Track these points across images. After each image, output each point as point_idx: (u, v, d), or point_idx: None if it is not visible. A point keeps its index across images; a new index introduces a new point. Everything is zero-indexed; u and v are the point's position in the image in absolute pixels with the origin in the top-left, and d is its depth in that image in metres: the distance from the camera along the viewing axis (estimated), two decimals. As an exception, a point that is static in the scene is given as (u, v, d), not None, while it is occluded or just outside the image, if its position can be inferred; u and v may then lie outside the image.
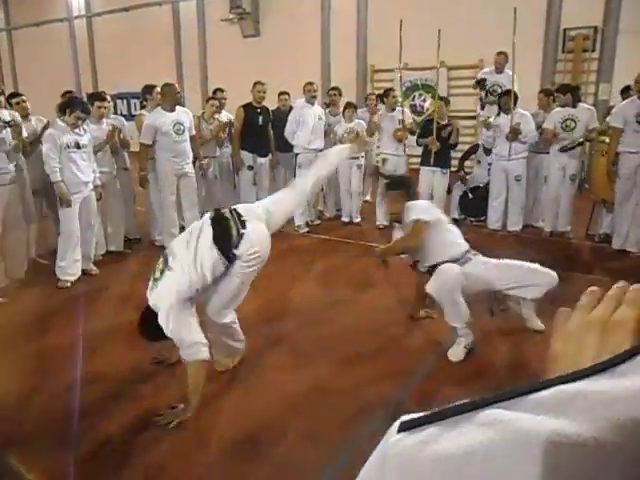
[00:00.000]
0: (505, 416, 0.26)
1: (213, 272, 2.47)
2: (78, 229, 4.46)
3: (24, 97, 4.97)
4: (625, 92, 5.98)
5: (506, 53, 6.38)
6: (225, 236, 2.48)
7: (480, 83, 6.80)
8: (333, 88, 6.80)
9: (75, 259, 4.49)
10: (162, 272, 2.47)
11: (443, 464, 0.25)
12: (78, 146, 4.40)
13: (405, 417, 0.29)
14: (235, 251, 2.47)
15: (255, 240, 2.51)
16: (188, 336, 2.39)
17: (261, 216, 2.62)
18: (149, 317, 2.49)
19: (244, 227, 2.51)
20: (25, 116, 4.78)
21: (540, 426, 0.24)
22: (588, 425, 0.24)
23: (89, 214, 4.59)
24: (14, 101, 4.84)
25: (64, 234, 4.44)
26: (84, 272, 4.62)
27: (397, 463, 0.27)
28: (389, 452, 0.28)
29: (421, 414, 0.29)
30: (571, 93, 5.42)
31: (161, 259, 2.55)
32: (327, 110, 6.50)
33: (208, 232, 2.49)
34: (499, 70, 6.59)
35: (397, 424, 0.29)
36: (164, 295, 2.41)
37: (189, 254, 2.45)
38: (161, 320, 2.39)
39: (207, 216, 2.60)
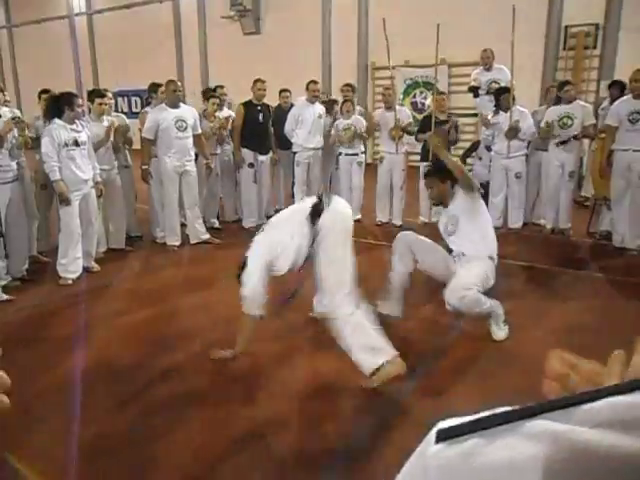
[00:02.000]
0: (556, 428, 0.25)
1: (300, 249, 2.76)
2: (78, 226, 4.47)
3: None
4: (613, 86, 5.96)
5: (491, 49, 6.42)
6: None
7: (473, 91, 6.84)
8: (347, 85, 6.70)
9: (76, 256, 4.50)
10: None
11: (492, 477, 0.24)
12: (77, 143, 4.40)
13: (441, 425, 0.28)
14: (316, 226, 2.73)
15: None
16: (251, 291, 2.76)
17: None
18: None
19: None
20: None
21: (597, 440, 0.23)
22: None
23: (89, 211, 4.60)
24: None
25: (64, 231, 4.45)
26: (86, 269, 4.64)
27: (441, 476, 0.26)
28: (430, 464, 0.27)
29: (458, 422, 0.28)
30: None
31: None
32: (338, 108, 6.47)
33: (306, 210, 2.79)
34: (487, 67, 6.61)
35: (434, 433, 0.28)
36: (255, 257, 2.80)
37: (285, 228, 2.81)
38: (247, 274, 2.78)
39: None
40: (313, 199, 2.88)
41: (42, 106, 4.99)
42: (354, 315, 2.64)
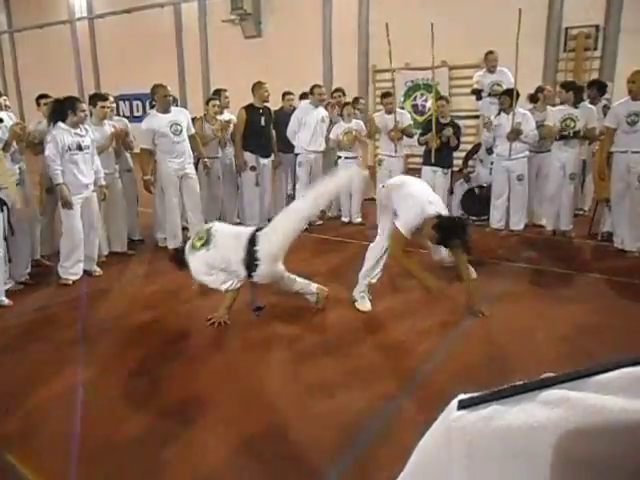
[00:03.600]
0: (571, 395, 0.27)
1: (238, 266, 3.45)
2: (80, 230, 4.48)
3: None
4: (591, 87, 5.96)
5: (495, 52, 6.45)
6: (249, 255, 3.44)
7: (476, 93, 6.88)
8: (337, 90, 6.78)
9: (78, 259, 4.52)
10: (202, 246, 3.46)
11: (510, 436, 0.26)
12: (80, 148, 4.42)
13: (463, 396, 0.30)
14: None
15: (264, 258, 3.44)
16: (210, 282, 3.52)
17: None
18: (177, 257, 3.70)
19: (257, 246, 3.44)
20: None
21: (610, 404, 0.25)
22: None
23: (91, 215, 4.61)
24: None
25: (66, 235, 4.47)
26: (88, 273, 4.65)
27: (463, 436, 0.28)
28: (453, 426, 0.29)
29: (479, 393, 0.30)
30: (574, 92, 5.42)
31: (205, 234, 3.51)
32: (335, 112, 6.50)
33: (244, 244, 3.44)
34: (492, 70, 6.67)
35: (455, 402, 0.30)
36: (197, 264, 3.48)
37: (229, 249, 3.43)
38: (195, 273, 3.52)
39: (247, 234, 3.50)
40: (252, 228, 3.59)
41: (42, 111, 5.00)
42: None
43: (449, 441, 0.29)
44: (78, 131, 4.43)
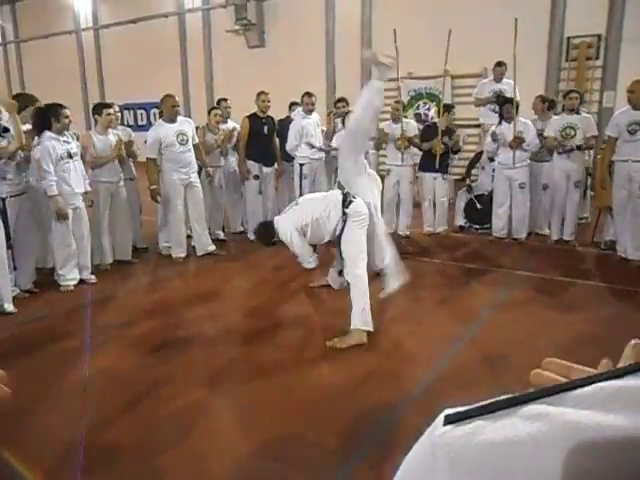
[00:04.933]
0: (550, 410, 0.28)
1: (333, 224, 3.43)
2: (72, 239, 4.51)
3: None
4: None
5: (505, 63, 6.48)
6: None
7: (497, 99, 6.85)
8: (340, 99, 6.75)
9: (73, 266, 4.57)
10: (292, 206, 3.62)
11: (492, 452, 0.27)
12: (70, 155, 4.44)
13: (448, 411, 0.31)
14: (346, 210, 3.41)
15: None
16: (298, 248, 3.50)
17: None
18: (262, 230, 3.74)
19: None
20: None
21: (586, 419, 0.26)
22: (634, 418, 0.26)
23: (81, 225, 4.63)
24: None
25: (60, 244, 4.49)
26: (83, 282, 4.66)
27: (447, 451, 0.29)
28: (438, 442, 0.30)
29: (464, 408, 0.31)
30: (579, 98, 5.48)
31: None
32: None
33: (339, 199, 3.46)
34: (498, 79, 6.73)
35: (441, 417, 0.31)
36: (286, 224, 3.48)
37: (320, 205, 3.46)
38: (282, 235, 3.49)
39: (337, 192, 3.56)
40: (339, 191, 3.55)
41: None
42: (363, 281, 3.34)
43: (434, 457, 0.30)
44: (65, 138, 4.45)
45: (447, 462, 0.29)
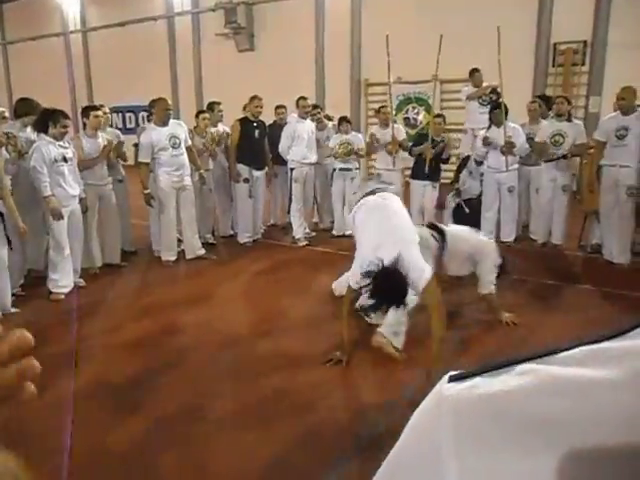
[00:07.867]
0: (538, 367, 0.33)
1: None
2: (67, 242, 4.49)
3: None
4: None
5: (478, 70, 6.68)
6: None
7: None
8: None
9: (67, 271, 4.52)
10: None
11: (490, 401, 0.33)
12: (65, 159, 4.44)
13: (452, 372, 0.36)
14: None
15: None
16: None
17: None
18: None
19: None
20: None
21: (569, 372, 0.32)
22: (613, 371, 0.31)
23: (76, 228, 4.62)
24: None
25: (55, 247, 4.46)
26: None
27: (451, 402, 0.34)
28: (444, 394, 0.35)
29: (466, 370, 0.36)
30: (568, 104, 5.55)
31: None
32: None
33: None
34: (479, 85, 6.92)
35: (447, 377, 0.36)
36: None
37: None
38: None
39: None
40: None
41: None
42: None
43: (440, 407, 0.34)
44: (62, 143, 4.46)
45: (451, 410, 0.34)
